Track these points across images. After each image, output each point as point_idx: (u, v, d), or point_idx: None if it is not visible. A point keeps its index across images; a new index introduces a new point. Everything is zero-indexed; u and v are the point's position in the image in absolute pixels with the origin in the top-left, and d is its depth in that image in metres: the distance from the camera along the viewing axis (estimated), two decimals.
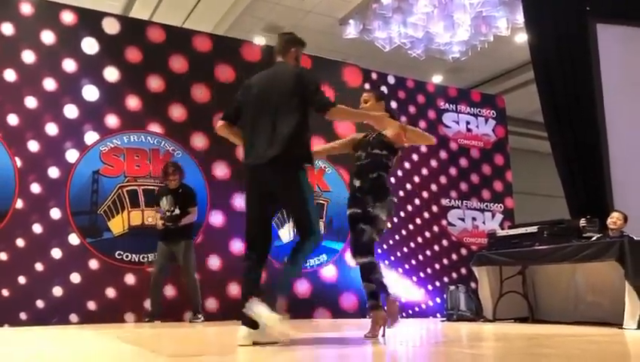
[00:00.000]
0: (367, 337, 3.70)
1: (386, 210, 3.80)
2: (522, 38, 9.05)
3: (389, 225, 3.95)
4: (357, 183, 3.92)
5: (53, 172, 6.32)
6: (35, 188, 6.21)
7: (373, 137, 4.01)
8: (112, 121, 6.67)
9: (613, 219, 6.09)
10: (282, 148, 3.32)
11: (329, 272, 7.44)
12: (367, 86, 8.20)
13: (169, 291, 6.52)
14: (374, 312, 3.77)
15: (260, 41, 9.34)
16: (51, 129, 6.38)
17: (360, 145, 4.04)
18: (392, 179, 8.05)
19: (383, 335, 3.72)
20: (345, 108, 3.54)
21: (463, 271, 8.24)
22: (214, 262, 6.78)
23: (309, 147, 3.48)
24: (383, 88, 8.40)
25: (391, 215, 3.88)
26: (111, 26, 6.83)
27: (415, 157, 8.60)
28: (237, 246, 7.00)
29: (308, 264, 7.34)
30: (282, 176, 3.36)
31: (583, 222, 6.00)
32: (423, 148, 8.71)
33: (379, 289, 3.78)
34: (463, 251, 8.58)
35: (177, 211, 6.20)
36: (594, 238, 5.70)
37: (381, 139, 3.94)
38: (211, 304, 6.61)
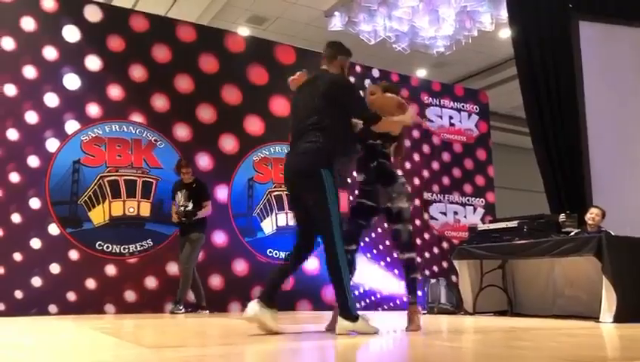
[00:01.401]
0: (408, 330, 3.76)
1: (403, 195, 3.77)
2: (506, 33, 9.10)
3: (409, 206, 3.87)
4: (361, 177, 3.92)
5: (33, 161, 6.24)
6: (14, 177, 6.13)
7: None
8: (93, 110, 6.60)
9: (592, 215, 6.17)
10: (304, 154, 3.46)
11: (311, 265, 7.45)
12: (367, 82, 8.23)
13: (150, 282, 6.49)
14: (412, 307, 3.84)
15: (244, 32, 9.28)
16: (31, 117, 6.29)
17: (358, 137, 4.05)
18: None
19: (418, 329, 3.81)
20: (387, 120, 3.64)
21: (444, 264, 8.31)
22: None
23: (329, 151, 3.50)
24: (367, 82, 8.40)
25: (408, 196, 3.84)
26: (93, 14, 6.75)
27: None
28: (220, 237, 6.99)
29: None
30: (304, 179, 3.47)
31: (562, 217, 6.07)
32: (407, 143, 8.74)
33: (415, 286, 3.85)
34: (445, 245, 8.65)
35: (191, 206, 6.22)
36: (573, 233, 5.77)
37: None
38: (193, 295, 6.58)
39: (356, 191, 4.26)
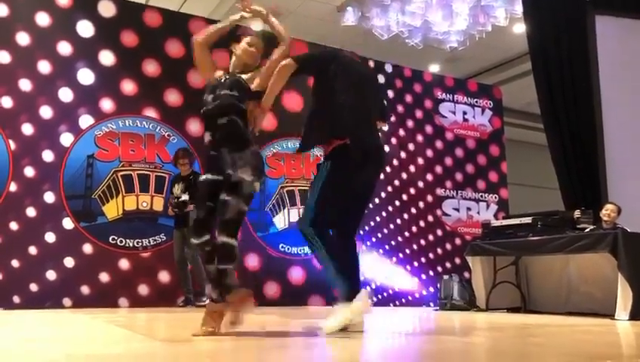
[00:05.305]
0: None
1: (249, 167, 3.03)
2: (520, 28, 9.01)
3: (257, 186, 3.09)
4: (207, 137, 3.27)
5: (48, 155, 6.28)
6: (29, 171, 6.18)
7: (226, 78, 3.39)
8: (107, 105, 6.63)
9: (607, 211, 6.11)
10: None
11: None
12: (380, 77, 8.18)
13: (163, 276, 6.53)
14: (231, 297, 2.99)
15: (257, 27, 9.27)
16: (46, 112, 6.33)
17: (209, 87, 3.38)
18: (387, 168, 8.07)
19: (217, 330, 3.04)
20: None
21: (457, 260, 8.27)
22: None
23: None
24: (380, 77, 8.37)
25: (257, 172, 3.07)
26: (107, 9, 6.77)
27: (411, 146, 8.60)
28: None
29: (302, 251, 7.37)
30: None
31: (577, 213, 6.02)
32: (420, 138, 8.69)
33: (224, 279, 2.99)
34: (457, 241, 8.60)
35: (185, 198, 6.19)
36: (588, 230, 5.71)
37: (237, 79, 3.36)
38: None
39: None
